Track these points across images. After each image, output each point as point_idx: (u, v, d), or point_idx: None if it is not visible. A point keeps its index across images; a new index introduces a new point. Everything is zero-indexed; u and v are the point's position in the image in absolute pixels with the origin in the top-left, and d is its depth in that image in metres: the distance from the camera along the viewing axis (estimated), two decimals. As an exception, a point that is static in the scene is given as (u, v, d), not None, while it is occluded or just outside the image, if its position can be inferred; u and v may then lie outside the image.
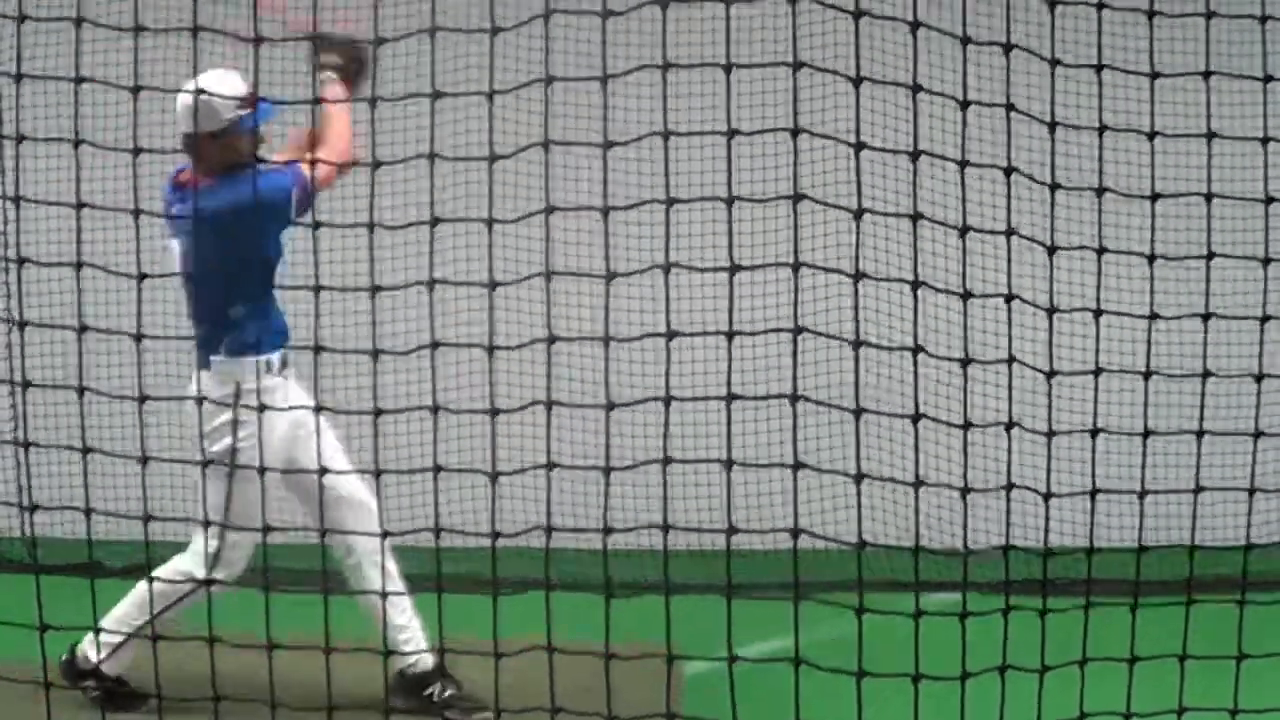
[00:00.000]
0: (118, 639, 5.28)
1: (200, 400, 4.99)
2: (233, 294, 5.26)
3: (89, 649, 5.37)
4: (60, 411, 5.37)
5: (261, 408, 4.90)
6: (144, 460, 4.26)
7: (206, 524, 4.92)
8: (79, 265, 4.19)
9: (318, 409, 4.56)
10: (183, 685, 4.33)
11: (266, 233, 5.20)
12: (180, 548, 5.50)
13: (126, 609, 5.33)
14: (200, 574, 5.16)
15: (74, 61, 4.06)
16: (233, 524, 5.00)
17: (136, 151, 4.13)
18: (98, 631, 5.00)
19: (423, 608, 5.26)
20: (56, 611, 4.17)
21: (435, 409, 4.07)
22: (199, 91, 4.77)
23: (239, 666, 4.18)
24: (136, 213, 4.14)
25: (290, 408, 5.18)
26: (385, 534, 4.55)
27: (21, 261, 4.27)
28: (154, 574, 4.92)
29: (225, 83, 5.13)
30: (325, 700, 4.16)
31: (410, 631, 5.36)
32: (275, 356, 5.35)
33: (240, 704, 4.21)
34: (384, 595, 5.05)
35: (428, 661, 5.44)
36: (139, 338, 4.17)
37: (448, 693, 5.43)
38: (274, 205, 5.11)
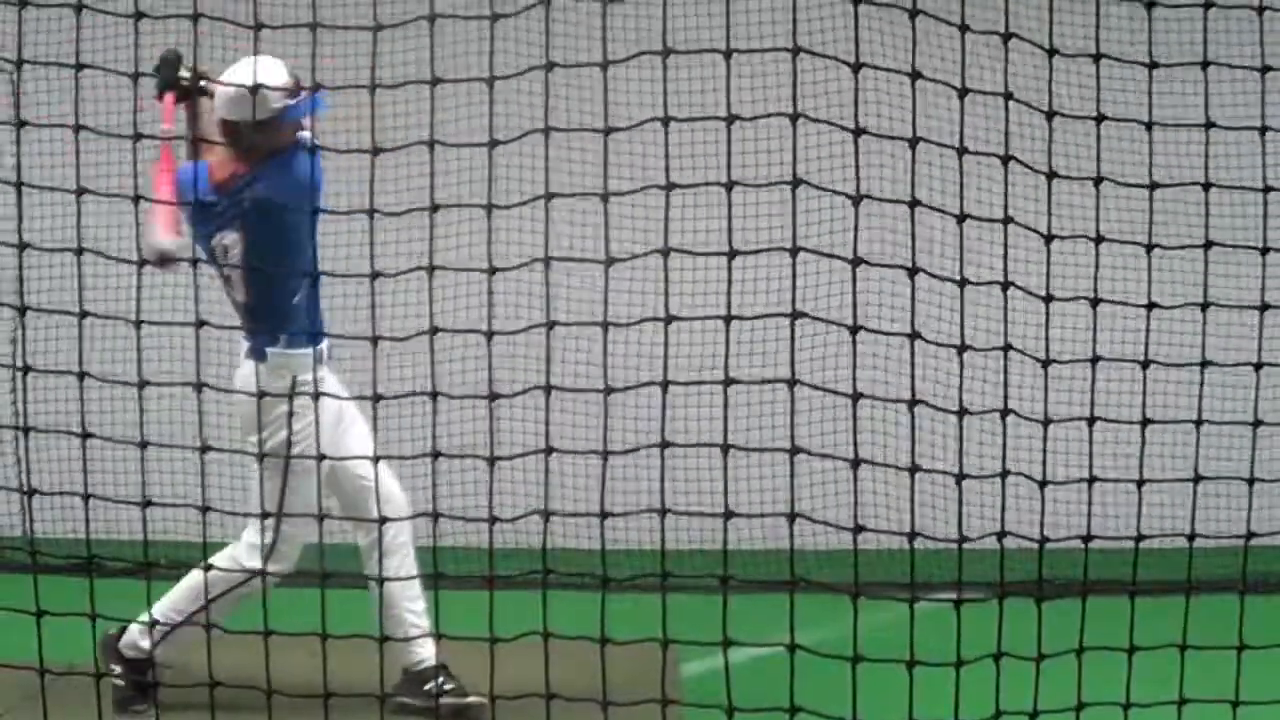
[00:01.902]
0: (166, 627, 5.28)
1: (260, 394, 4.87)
2: (293, 283, 5.23)
3: (139, 635, 5.36)
4: (61, 396, 5.39)
5: (318, 394, 4.86)
6: (143, 445, 4.26)
7: (262, 516, 4.92)
8: (79, 251, 4.20)
9: (355, 399, 4.55)
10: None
11: (316, 218, 5.19)
12: (180, 546, 5.53)
13: (176, 598, 5.31)
14: (254, 565, 5.16)
15: (75, 47, 4.07)
16: (288, 515, 5.00)
17: (137, 137, 4.14)
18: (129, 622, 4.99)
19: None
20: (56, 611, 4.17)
21: (434, 394, 4.07)
22: (252, 86, 4.75)
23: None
24: (136, 198, 4.15)
25: (349, 397, 5.20)
26: (382, 519, 4.54)
27: (23, 247, 4.27)
28: (208, 562, 4.94)
29: (272, 71, 5.12)
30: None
31: (423, 630, 5.35)
32: (325, 346, 5.34)
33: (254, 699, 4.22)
34: (380, 580, 5.04)
35: (432, 659, 5.44)
36: (138, 323, 4.17)
37: (447, 685, 5.43)
38: (321, 188, 5.10)
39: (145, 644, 5.34)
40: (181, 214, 5.19)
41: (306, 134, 5.15)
